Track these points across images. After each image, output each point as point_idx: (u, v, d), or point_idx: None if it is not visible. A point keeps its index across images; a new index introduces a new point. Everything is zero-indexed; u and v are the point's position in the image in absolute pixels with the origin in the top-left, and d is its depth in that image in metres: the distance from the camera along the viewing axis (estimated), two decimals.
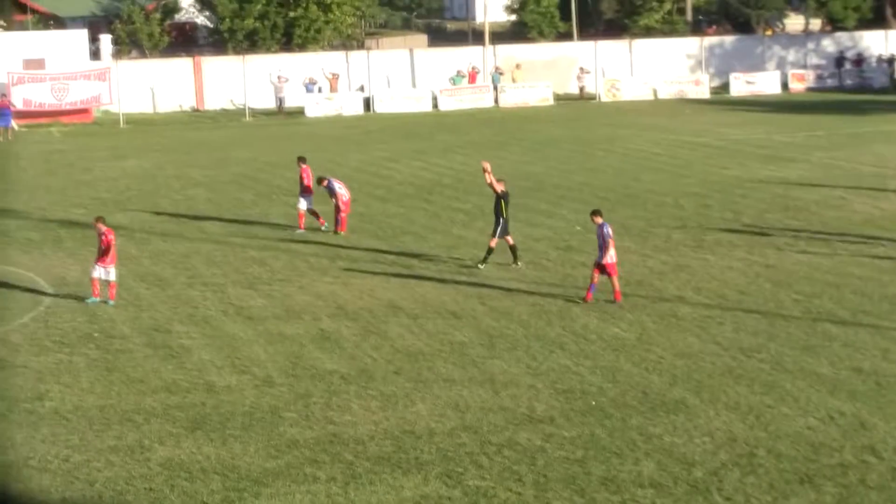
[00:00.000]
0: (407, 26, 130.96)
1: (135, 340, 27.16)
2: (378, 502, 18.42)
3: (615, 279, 29.53)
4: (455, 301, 29.93)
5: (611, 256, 29.25)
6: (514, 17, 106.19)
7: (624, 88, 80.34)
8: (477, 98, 78.01)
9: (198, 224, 40.44)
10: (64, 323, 28.63)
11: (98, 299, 30.30)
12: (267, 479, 19.34)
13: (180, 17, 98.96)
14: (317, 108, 74.69)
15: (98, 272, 30.33)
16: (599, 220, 29.55)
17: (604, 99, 79.46)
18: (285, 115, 74.58)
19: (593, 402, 22.53)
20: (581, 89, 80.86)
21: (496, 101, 78.15)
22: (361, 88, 78.04)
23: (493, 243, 33.09)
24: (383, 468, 19.67)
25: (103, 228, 30.68)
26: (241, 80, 75.14)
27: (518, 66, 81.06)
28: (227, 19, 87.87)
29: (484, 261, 33.11)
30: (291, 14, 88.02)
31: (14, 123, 68.32)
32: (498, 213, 33.26)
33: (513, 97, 78.25)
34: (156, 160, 56.01)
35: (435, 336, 27.04)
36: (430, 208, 42.50)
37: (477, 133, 64.24)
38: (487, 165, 34.41)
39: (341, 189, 38.53)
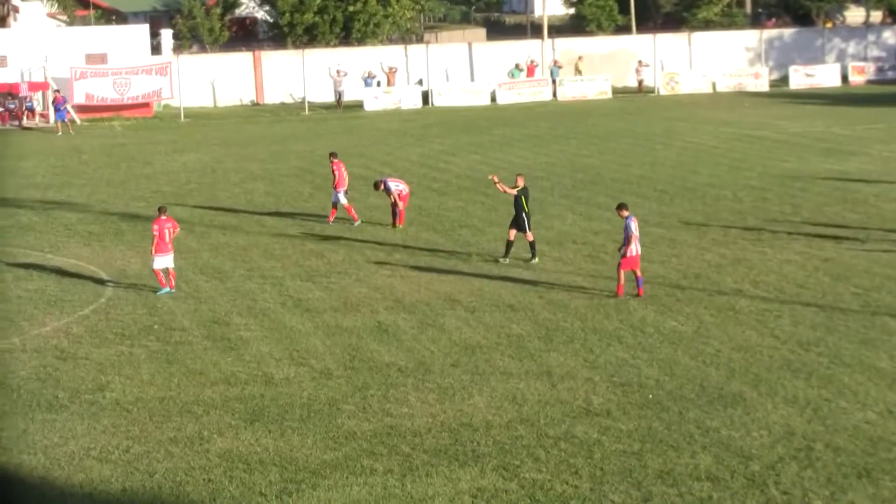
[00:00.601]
0: (465, 20, 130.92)
1: (194, 332, 27.34)
2: (435, 494, 18.44)
3: (637, 272, 29.50)
4: (512, 294, 29.91)
5: (631, 251, 29.22)
6: (572, 11, 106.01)
7: (683, 82, 79.89)
8: (535, 91, 77.85)
9: (257, 217, 40.64)
10: (125, 315, 28.88)
11: (167, 289, 30.84)
12: (324, 470, 19.42)
13: (240, 11, 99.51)
14: (375, 101, 74.80)
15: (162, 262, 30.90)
16: (625, 213, 29.67)
17: (662, 92, 79.06)
18: (344, 108, 74.75)
19: (650, 396, 22.45)
20: (640, 83, 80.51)
21: (554, 94, 77.95)
22: (420, 82, 78.09)
23: (512, 236, 33.26)
24: (440, 460, 19.70)
25: (164, 217, 31.19)
26: (301, 75, 75.41)
27: (581, 59, 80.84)
28: (287, 14, 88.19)
29: (506, 255, 33.30)
30: (350, 8, 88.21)
31: (75, 117, 68.91)
32: (519, 208, 33.25)
33: (571, 90, 78.03)
34: (215, 154, 56.33)
35: (492, 329, 27.04)
36: (487, 202, 42.46)
37: (534, 126, 64.12)
38: (495, 178, 34.75)
39: (398, 186, 38.62)
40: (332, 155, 40.69)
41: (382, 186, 38.59)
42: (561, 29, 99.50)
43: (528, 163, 51.10)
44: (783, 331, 26.29)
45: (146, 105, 72.85)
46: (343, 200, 39.35)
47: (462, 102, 75.67)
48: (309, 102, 74.65)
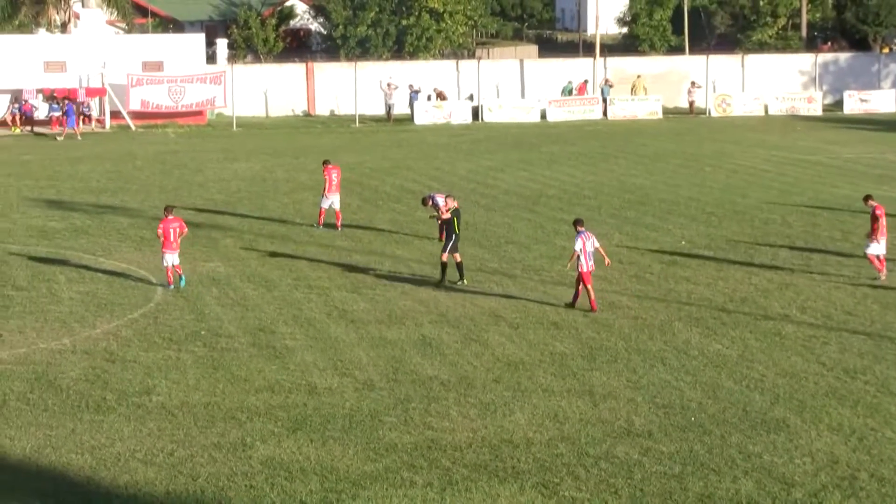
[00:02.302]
0: (518, 36, 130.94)
1: (240, 340, 27.49)
2: None
3: (588, 287, 29.89)
4: (556, 311, 29.90)
5: (582, 266, 29.72)
6: (625, 30, 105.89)
7: (735, 104, 79.58)
8: (585, 110, 77.79)
9: (305, 227, 40.80)
10: (173, 320, 29.08)
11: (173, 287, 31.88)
12: (365, 481, 19.49)
13: (295, 23, 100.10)
14: (425, 115, 74.95)
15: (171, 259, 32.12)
16: (580, 228, 30.41)
17: (714, 114, 78.79)
18: (394, 121, 74.96)
19: (693, 418, 22.38)
20: (691, 104, 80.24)
21: (605, 113, 77.85)
22: (471, 97, 78.20)
23: (445, 258, 32.81)
24: (480, 476, 19.72)
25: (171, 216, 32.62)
26: (352, 87, 75.64)
27: (639, 77, 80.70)
28: (341, 26, 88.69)
29: (459, 276, 32.73)
30: (404, 22, 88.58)
31: (130, 123, 69.45)
32: (450, 229, 33.02)
33: (621, 110, 77.92)
34: (266, 163, 56.61)
35: (535, 346, 27.05)
36: (534, 219, 42.47)
37: (584, 145, 64.07)
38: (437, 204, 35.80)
39: (443, 202, 38.62)
40: (326, 162, 41.89)
41: (430, 202, 38.68)
42: (613, 48, 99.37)
43: (575, 181, 51.12)
44: (830, 357, 26.14)
45: (200, 113, 73.34)
46: (324, 204, 40.75)
47: (512, 119, 75.69)
48: (360, 115, 74.86)
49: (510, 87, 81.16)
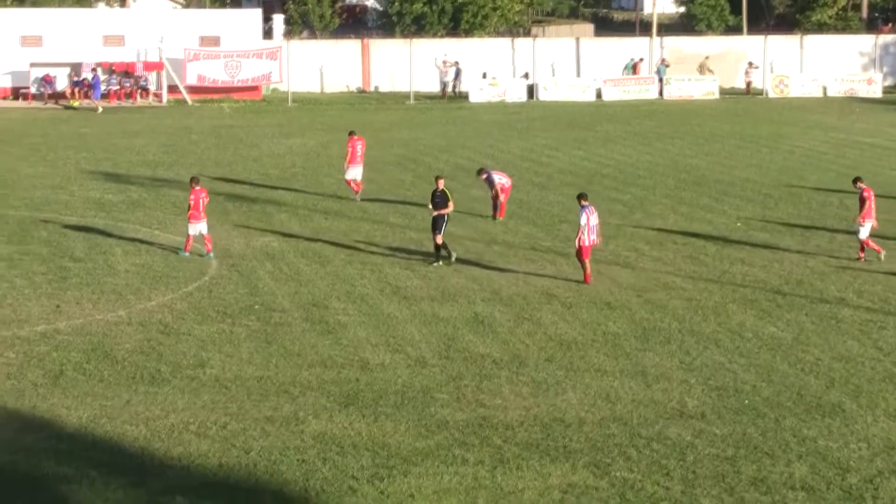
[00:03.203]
0: (574, 15, 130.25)
1: (294, 314, 27.57)
2: (525, 488, 18.45)
3: (585, 261, 30.33)
4: (610, 291, 29.79)
5: (584, 240, 30.12)
6: (682, 9, 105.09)
7: (792, 85, 78.85)
8: (641, 89, 77.36)
9: (359, 203, 40.84)
10: (227, 294, 29.21)
11: (189, 254, 32.78)
12: (416, 458, 19.51)
13: None
14: (480, 93, 74.79)
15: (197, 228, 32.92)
16: (584, 202, 30.63)
17: (771, 95, 78.14)
18: (448, 99, 74.86)
19: (746, 401, 22.25)
20: (748, 84, 79.65)
21: (660, 93, 77.41)
22: (526, 76, 77.94)
23: (440, 239, 32.45)
24: (531, 454, 19.70)
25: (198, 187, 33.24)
26: (408, 64, 75.59)
27: (708, 58, 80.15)
28: (397, 3, 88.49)
29: (448, 257, 32.44)
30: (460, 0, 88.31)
31: (187, 97, 69.76)
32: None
33: (677, 90, 77.43)
34: (320, 139, 56.70)
35: (588, 325, 26.97)
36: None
37: (639, 124, 63.76)
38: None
39: (501, 179, 38.66)
40: (352, 133, 42.53)
41: (486, 176, 38.64)
42: (670, 27, 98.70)
43: (630, 161, 50.90)
44: (887, 342, 25.90)
45: (255, 88, 73.50)
46: (348, 175, 41.71)
47: (567, 97, 75.40)
48: (414, 92, 74.80)
49: (565, 65, 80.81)
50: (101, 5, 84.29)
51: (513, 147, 54.49)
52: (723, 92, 78.29)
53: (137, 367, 23.73)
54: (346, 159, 42.06)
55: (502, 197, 38.33)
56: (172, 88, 71.07)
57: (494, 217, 38.20)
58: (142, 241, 34.61)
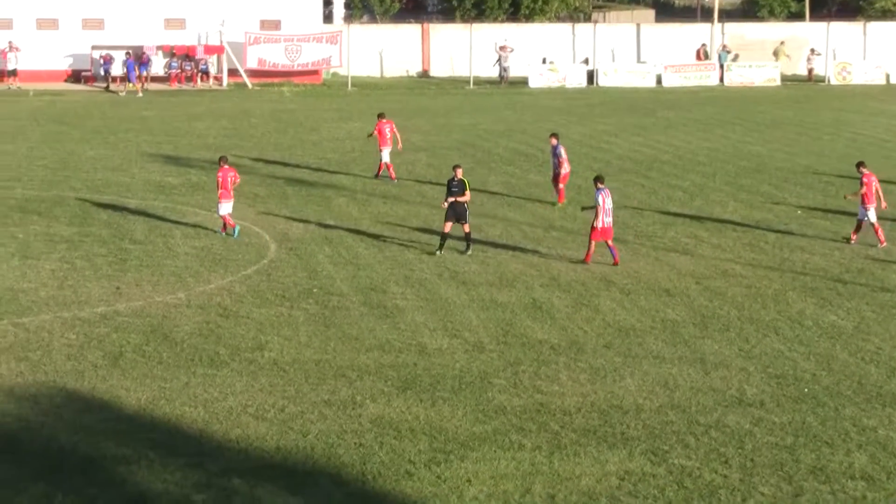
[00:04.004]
0: (635, 0, 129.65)
1: (352, 298, 27.63)
2: (582, 474, 18.40)
3: (609, 242, 30.90)
4: (668, 279, 29.65)
5: (599, 223, 30.64)
6: None
7: (855, 72, 78.15)
8: (702, 76, 76.93)
9: (418, 188, 40.89)
10: (285, 277, 29.31)
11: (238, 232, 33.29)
12: (473, 443, 19.50)
13: None
14: (540, 78, 74.64)
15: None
16: (600, 185, 31.03)
17: (833, 82, 77.46)
18: (508, 84, 74.72)
19: (806, 390, 22.08)
20: (810, 71, 79.00)
21: (721, 79, 76.94)
22: (586, 61, 77.68)
23: (467, 228, 31.95)
24: (589, 440, 19.65)
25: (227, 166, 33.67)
26: (468, 49, 75.50)
27: (783, 44, 79.59)
28: None
29: (466, 249, 31.91)
30: None
31: (247, 80, 70.02)
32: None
33: (738, 76, 76.94)
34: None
35: (647, 312, 26.85)
36: (647, 184, 42.13)
37: (700, 111, 63.39)
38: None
39: (563, 160, 38.37)
40: (381, 115, 43.09)
41: (556, 141, 38.34)
42: (732, 13, 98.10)
43: (690, 147, 50.62)
44: None
45: (315, 72, 73.73)
46: (385, 158, 42.17)
47: (627, 83, 75.10)
48: (474, 77, 74.72)
49: (626, 51, 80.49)
50: None
51: (572, 132, 54.23)
52: (784, 79, 77.71)
53: (196, 350, 23.87)
54: (378, 142, 42.72)
55: (561, 185, 38.15)
56: (233, 72, 71.45)
57: (555, 203, 38.01)
58: (201, 225, 34.79)
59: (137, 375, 22.40)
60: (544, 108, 63.60)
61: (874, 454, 19.21)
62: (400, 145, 43.23)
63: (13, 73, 69.51)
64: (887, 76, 78.05)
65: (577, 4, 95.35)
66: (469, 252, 31.66)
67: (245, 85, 70.83)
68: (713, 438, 19.77)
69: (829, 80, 77.63)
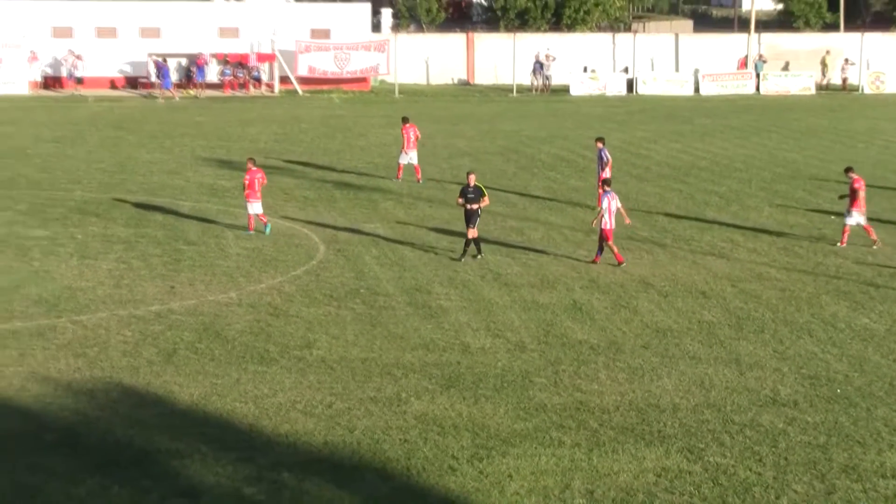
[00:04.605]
0: (674, 11, 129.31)
1: (398, 298, 27.66)
2: (620, 470, 18.35)
3: (610, 244, 30.67)
4: (705, 281, 29.52)
5: (605, 224, 30.69)
6: (780, 6, 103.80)
7: (888, 81, 77.54)
8: (739, 84, 76.58)
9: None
10: (333, 278, 29.37)
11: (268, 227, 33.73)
12: (515, 439, 19.48)
13: None
14: (581, 86, 74.50)
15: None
16: (606, 188, 31.29)
17: (867, 91, 76.93)
18: (550, 92, 74.61)
19: (839, 390, 21.94)
20: (844, 80, 78.47)
21: (757, 88, 76.55)
22: (626, 70, 77.49)
23: (475, 233, 31.41)
24: (627, 438, 19.59)
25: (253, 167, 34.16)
26: (511, 57, 75.48)
27: (828, 53, 79.10)
28: None
29: (477, 253, 31.43)
30: None
31: (297, 87, 70.19)
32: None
33: (774, 85, 76.52)
34: (425, 130, 56.34)
35: (684, 314, 26.75)
36: (685, 190, 41.98)
37: (736, 118, 63.09)
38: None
39: (607, 162, 38.15)
40: (405, 119, 43.66)
41: (601, 145, 38.24)
42: (768, 24, 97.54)
43: (727, 154, 50.39)
44: None
45: (363, 80, 73.82)
46: (410, 161, 42.99)
47: (665, 92, 74.88)
48: (517, 84, 74.65)
49: (664, 60, 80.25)
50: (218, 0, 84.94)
51: (612, 139, 53.86)
52: (819, 88, 77.19)
53: (247, 347, 23.95)
54: (402, 145, 43.26)
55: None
56: (284, 79, 71.66)
57: (596, 207, 37.81)
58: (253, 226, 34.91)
59: (190, 372, 22.51)
60: (585, 116, 63.45)
61: None
62: (406, 147, 43.38)
63: (79, 80, 69.93)
64: None
65: (618, 15, 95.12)
66: (479, 256, 31.28)
67: (296, 92, 71.03)
68: (748, 437, 19.67)
69: (862, 90, 77.11)
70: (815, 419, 20.50)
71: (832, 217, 37.09)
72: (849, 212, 33.36)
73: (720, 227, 35.69)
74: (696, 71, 76.86)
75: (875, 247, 33.07)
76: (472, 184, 31.65)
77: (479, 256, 31.37)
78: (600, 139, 39.01)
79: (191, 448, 18.92)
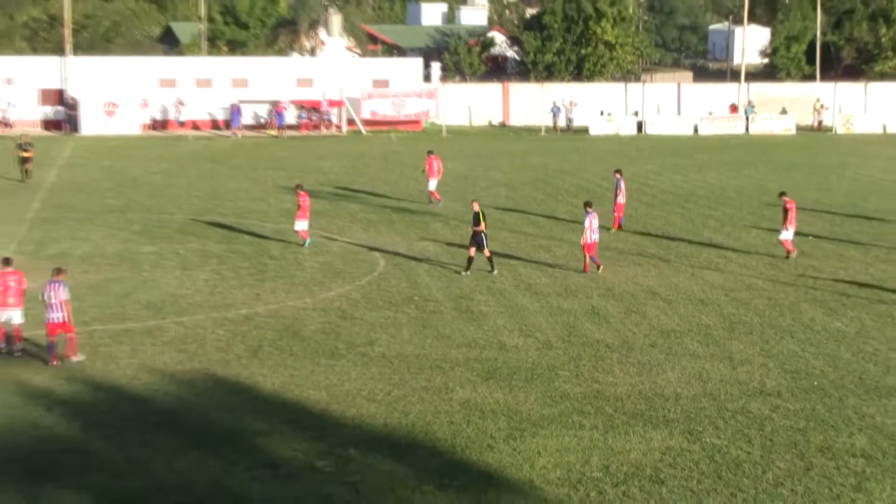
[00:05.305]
0: (676, 65, 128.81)
1: (445, 304, 27.65)
2: (631, 449, 18.28)
3: (589, 255, 31.05)
4: (703, 290, 29.36)
5: (586, 238, 30.84)
6: (766, 60, 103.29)
7: (857, 123, 76.96)
8: (731, 126, 76.17)
9: (499, 215, 40.69)
10: (391, 287, 29.40)
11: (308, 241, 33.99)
12: (543, 422, 19.45)
13: (494, 50, 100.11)
14: (598, 127, 74.33)
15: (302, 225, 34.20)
16: (588, 209, 30.92)
17: (839, 132, 76.32)
18: (573, 132, 74.49)
19: (816, 383, 21.77)
20: (819, 122, 77.91)
21: (747, 129, 76.12)
22: (636, 113, 77.28)
23: (487, 253, 31.00)
24: (637, 422, 19.51)
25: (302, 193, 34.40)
26: (539, 103, 75.46)
27: (818, 100, 78.40)
28: (531, 54, 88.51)
29: (491, 269, 30.95)
30: (583, 51, 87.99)
31: (361, 128, 70.44)
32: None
33: (761, 126, 76.07)
34: (468, 163, 56.79)
35: (685, 318, 26.61)
36: (685, 214, 41.78)
37: (729, 154, 62.71)
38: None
39: (621, 192, 38.07)
40: (430, 152, 43.92)
41: (619, 175, 38.15)
42: (756, 75, 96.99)
43: (721, 184, 50.09)
44: None
45: (416, 122, 73.94)
46: (430, 187, 42.97)
47: (670, 132, 74.58)
48: (545, 126, 74.57)
49: (668, 105, 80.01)
50: (295, 55, 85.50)
51: (625, 171, 53.61)
52: (799, 129, 76.70)
53: (320, 345, 24.02)
54: (427, 173, 43.52)
55: (617, 213, 37.93)
56: (350, 121, 71.89)
57: (610, 229, 37.78)
58: (324, 244, 35.02)
59: (272, 365, 22.60)
60: (602, 152, 63.27)
61: (872, 436, 18.89)
62: (440, 175, 43.64)
63: (181, 122, 70.49)
64: (884, 127, 76.77)
65: (629, 68, 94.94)
66: (494, 272, 30.79)
67: (360, 132, 71.24)
68: (739, 422, 19.55)
69: (835, 130, 76.51)
70: (795, 407, 20.35)
71: (809, 237, 36.83)
72: (785, 228, 33.26)
73: (716, 246, 35.49)
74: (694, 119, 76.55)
75: (788, 258, 33.07)
76: (474, 210, 31.04)
77: (493, 272, 30.65)
78: (618, 171, 38.95)
79: (272, 428, 19.00)
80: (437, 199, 42.94)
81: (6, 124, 67.17)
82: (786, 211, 33.27)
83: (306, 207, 34.40)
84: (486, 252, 31.00)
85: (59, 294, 22.48)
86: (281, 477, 17.12)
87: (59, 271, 23.08)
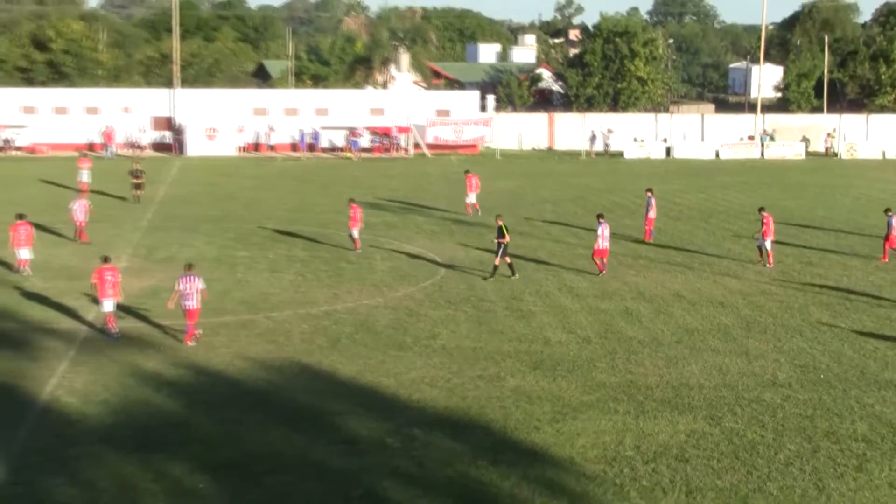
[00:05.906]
0: (700, 97, 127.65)
1: (498, 304, 27.65)
2: (659, 431, 18.19)
3: (602, 259, 31.10)
4: (723, 295, 29.09)
5: (598, 245, 30.95)
6: (779, 94, 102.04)
7: (860, 150, 75.72)
8: (748, 151, 75.24)
9: (545, 227, 40.75)
10: (452, 289, 29.44)
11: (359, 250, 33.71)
12: (582, 408, 19.40)
13: (542, 84, 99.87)
14: (632, 152, 73.76)
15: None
16: (601, 220, 30.82)
17: (844, 157, 75.16)
18: (610, 156, 74.09)
19: (822, 376, 21.51)
20: (827, 149, 76.77)
21: (762, 154, 75.19)
22: (665, 140, 76.67)
23: (498, 262, 30.34)
24: (664, 408, 19.40)
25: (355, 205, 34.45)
26: (580, 130, 75.14)
27: (834, 130, 77.32)
28: (574, 87, 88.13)
29: (492, 275, 30.32)
30: (619, 86, 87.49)
31: (426, 151, 70.59)
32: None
33: (775, 152, 75.05)
34: (518, 182, 56.71)
35: (707, 318, 26.38)
36: (708, 227, 41.40)
37: (747, 176, 62.00)
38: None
39: (652, 208, 37.87)
40: (467, 171, 44.30)
41: (650, 194, 38.00)
42: (770, 107, 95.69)
43: (739, 202, 49.55)
44: None
45: (474, 146, 73.86)
46: (470, 200, 43.35)
47: (694, 156, 73.85)
48: (584, 150, 74.24)
49: (693, 133, 79.23)
50: (369, 88, 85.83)
51: (655, 190, 53.29)
52: (808, 154, 75.68)
53: (389, 338, 24.12)
54: (466, 189, 43.73)
55: (648, 226, 37.73)
56: (416, 145, 72.03)
57: (642, 241, 37.56)
58: (393, 251, 35.14)
59: (349, 355, 22.73)
60: (635, 174, 62.83)
61: (872, 423, 18.65)
62: (478, 189, 43.82)
63: (272, 147, 71.10)
64: (883, 153, 75.39)
65: (659, 100, 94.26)
66: (489, 280, 29.95)
67: (425, 154, 71.36)
68: (754, 409, 19.37)
69: (840, 156, 75.39)
70: (804, 397, 20.12)
71: (817, 248, 36.30)
72: (765, 238, 32.93)
73: (734, 255, 35.13)
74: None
75: (766, 266, 32.62)
76: (498, 224, 30.47)
77: (513, 277, 30.12)
78: (649, 189, 38.72)
79: (349, 410, 19.13)
80: (475, 210, 42.87)
81: (139, 146, 68.48)
82: (762, 224, 33.02)
83: (359, 218, 34.38)
84: (497, 260, 30.36)
85: (196, 284, 22.89)
86: (356, 451, 17.23)
87: (190, 266, 23.50)
